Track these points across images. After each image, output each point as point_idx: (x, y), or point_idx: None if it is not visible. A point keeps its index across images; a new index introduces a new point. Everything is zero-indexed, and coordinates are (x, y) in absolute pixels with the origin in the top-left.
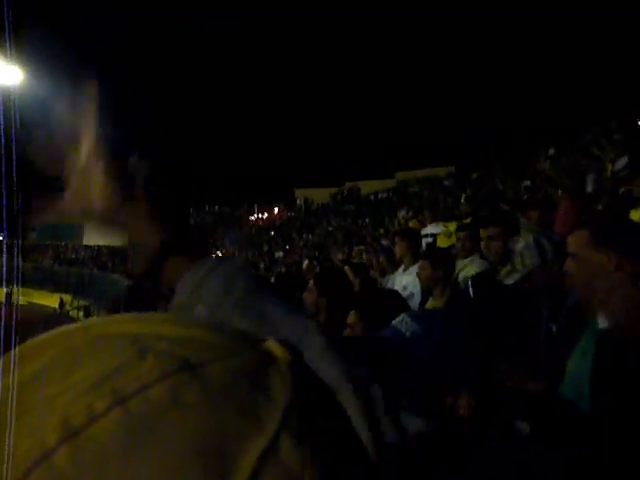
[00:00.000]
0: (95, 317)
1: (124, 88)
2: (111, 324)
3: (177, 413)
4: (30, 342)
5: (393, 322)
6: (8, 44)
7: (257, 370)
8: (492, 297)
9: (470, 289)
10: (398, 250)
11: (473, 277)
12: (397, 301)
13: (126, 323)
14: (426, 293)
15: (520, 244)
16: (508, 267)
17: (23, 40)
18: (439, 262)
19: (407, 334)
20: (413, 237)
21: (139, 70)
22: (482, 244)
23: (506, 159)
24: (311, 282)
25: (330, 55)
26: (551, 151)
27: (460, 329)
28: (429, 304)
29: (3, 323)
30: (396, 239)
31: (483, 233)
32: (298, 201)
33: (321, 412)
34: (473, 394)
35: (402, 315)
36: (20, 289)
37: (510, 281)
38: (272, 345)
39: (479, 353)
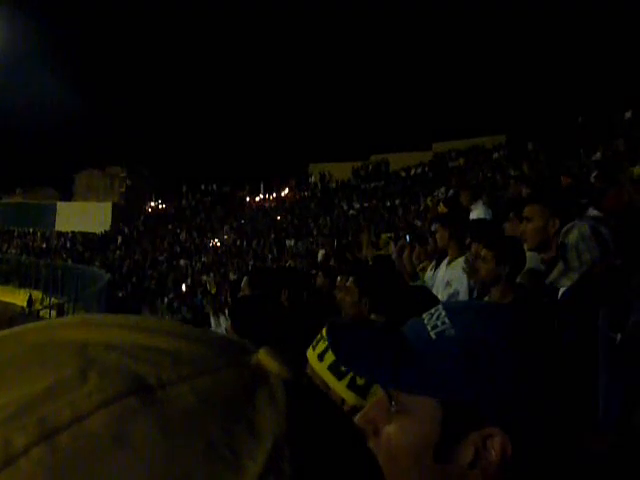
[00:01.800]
0: (37, 321)
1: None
2: (55, 329)
3: (119, 454)
4: None
5: (423, 315)
6: None
7: (238, 393)
8: (547, 302)
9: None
10: (439, 239)
11: (526, 273)
12: (426, 299)
13: (75, 327)
14: (480, 291)
15: (574, 235)
16: (560, 266)
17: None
18: (506, 254)
19: (431, 334)
20: (458, 222)
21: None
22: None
23: (571, 125)
24: (350, 280)
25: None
26: (628, 114)
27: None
28: None
29: None
30: (435, 225)
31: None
32: (312, 178)
33: (327, 450)
34: (516, 440)
35: (438, 306)
36: None
37: (567, 283)
38: (264, 357)
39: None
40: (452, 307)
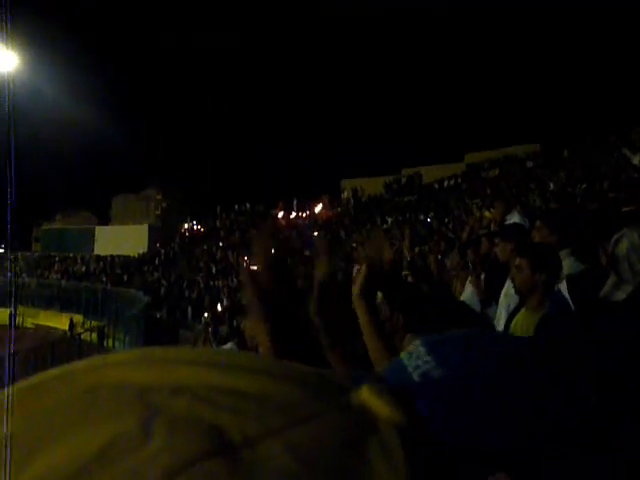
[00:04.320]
0: (90, 358)
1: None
2: (109, 368)
3: None
4: None
5: (401, 354)
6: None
7: (344, 447)
8: (596, 311)
9: (565, 292)
10: (500, 252)
11: (570, 278)
12: (465, 315)
13: (132, 365)
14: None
15: (623, 245)
16: (613, 278)
17: (18, 25)
18: (542, 262)
19: (414, 376)
20: (517, 237)
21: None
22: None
23: (610, 128)
24: (379, 295)
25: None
26: None
27: (525, 375)
28: (520, 315)
29: (7, 351)
30: (483, 240)
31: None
32: (345, 193)
33: None
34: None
35: (416, 342)
36: (24, 309)
37: (621, 295)
38: (369, 397)
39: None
40: (431, 342)
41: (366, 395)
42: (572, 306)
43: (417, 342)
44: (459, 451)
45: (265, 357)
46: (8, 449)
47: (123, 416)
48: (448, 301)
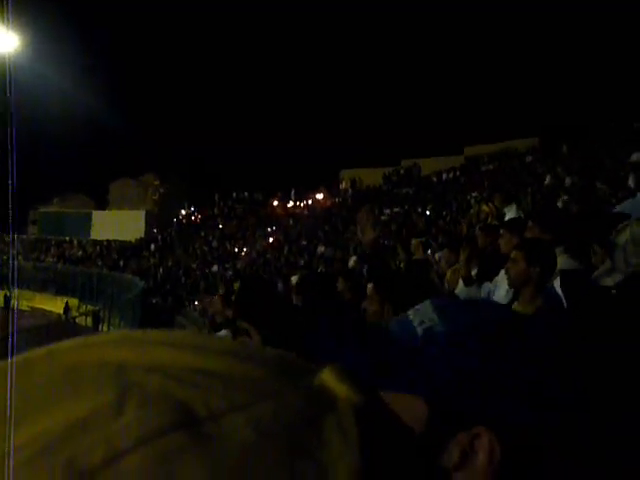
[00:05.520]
0: (73, 338)
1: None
2: (92, 347)
3: None
4: None
5: (409, 311)
6: (10, 10)
7: (302, 423)
8: (588, 303)
9: (558, 289)
10: (504, 244)
11: (564, 273)
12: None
13: (113, 346)
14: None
15: (623, 236)
16: (607, 264)
17: (19, 7)
18: (537, 255)
19: (419, 331)
20: (517, 230)
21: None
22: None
23: (611, 124)
24: (370, 287)
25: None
26: None
27: (523, 342)
28: (513, 308)
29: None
30: (502, 230)
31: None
32: (344, 184)
33: None
34: (503, 435)
35: (425, 302)
36: (20, 291)
37: (609, 282)
38: (329, 378)
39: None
40: (439, 302)
41: (327, 376)
42: (564, 302)
43: (426, 301)
44: (442, 403)
45: (236, 341)
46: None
47: (102, 391)
48: (420, 280)
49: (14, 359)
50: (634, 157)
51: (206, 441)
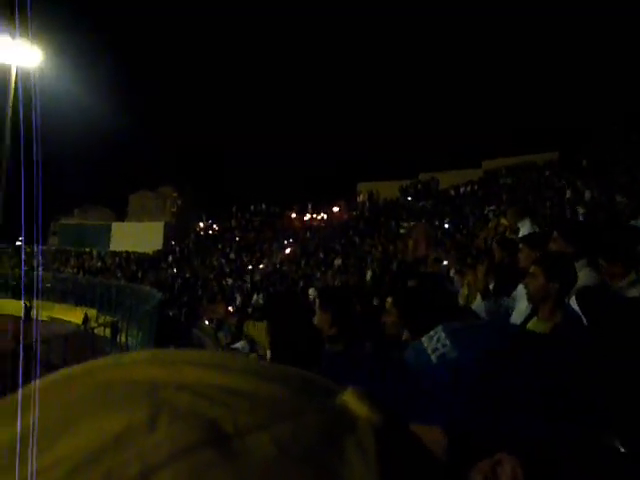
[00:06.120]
0: (106, 357)
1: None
2: (124, 366)
3: None
4: (25, 388)
5: (422, 338)
6: (31, 25)
7: (323, 442)
8: (608, 318)
9: (574, 305)
10: (523, 259)
11: (581, 290)
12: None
13: (145, 365)
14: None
15: None
16: (632, 276)
17: (42, 21)
18: (556, 271)
19: (433, 358)
20: (537, 244)
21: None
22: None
23: (625, 140)
24: (389, 301)
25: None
26: None
27: (538, 364)
28: (531, 324)
29: (22, 342)
30: (521, 245)
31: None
32: (361, 197)
33: None
34: (526, 461)
35: (437, 328)
36: (40, 302)
37: (634, 293)
38: (350, 398)
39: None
40: (451, 329)
41: (348, 397)
42: (583, 319)
43: (438, 327)
44: (461, 431)
45: (260, 360)
46: (36, 432)
47: (135, 408)
48: (438, 294)
49: (54, 376)
50: None
51: (233, 457)
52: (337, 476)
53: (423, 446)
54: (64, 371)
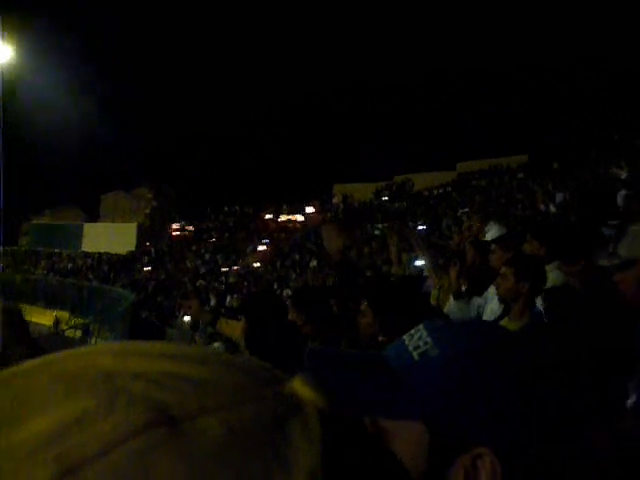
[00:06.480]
0: (66, 350)
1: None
2: (83, 357)
3: None
4: None
5: (403, 336)
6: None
7: (269, 423)
8: (572, 318)
9: (542, 305)
10: (495, 260)
11: (548, 290)
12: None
13: (103, 356)
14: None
15: (637, 227)
16: (611, 249)
17: (12, 18)
18: (527, 271)
19: (414, 356)
20: (509, 246)
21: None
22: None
23: (603, 141)
24: (364, 303)
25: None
26: None
27: (518, 357)
28: (502, 324)
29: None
30: (493, 246)
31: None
32: (335, 199)
33: None
34: (506, 457)
35: (419, 326)
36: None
37: (605, 263)
38: (299, 385)
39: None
40: (433, 326)
41: (297, 384)
42: (544, 318)
43: (420, 325)
44: (442, 427)
45: (214, 351)
46: None
47: (93, 395)
48: (413, 296)
49: (12, 369)
50: (617, 172)
51: (183, 436)
52: (282, 455)
53: (368, 431)
54: (23, 364)
